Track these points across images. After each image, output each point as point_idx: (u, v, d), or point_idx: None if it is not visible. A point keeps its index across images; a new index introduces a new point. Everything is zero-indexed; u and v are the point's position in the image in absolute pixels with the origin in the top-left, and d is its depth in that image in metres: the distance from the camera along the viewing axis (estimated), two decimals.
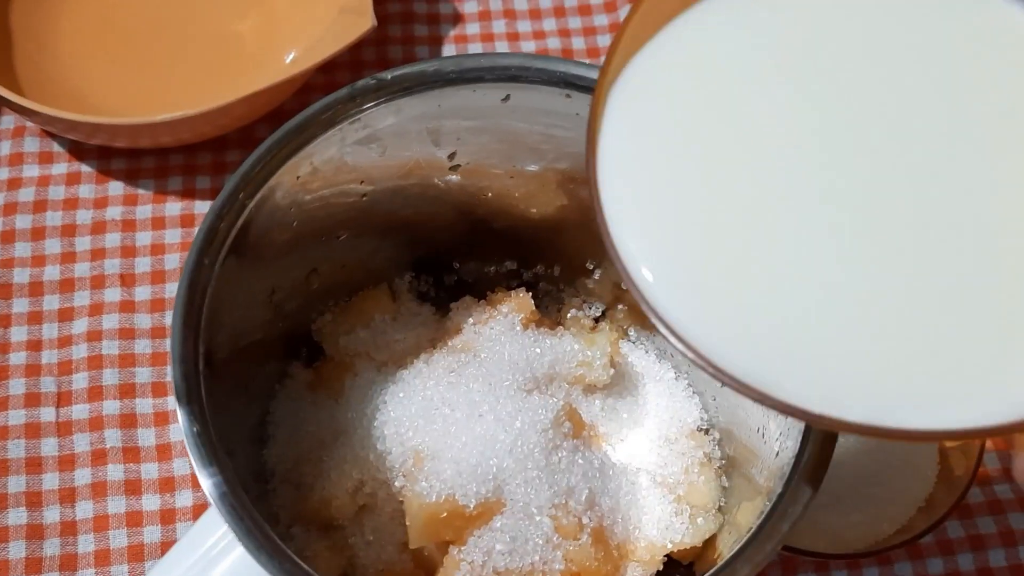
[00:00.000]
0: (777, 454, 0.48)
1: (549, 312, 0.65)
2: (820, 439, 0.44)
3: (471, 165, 0.57)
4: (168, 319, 0.73)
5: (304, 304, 0.60)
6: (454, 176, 0.58)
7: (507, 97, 0.53)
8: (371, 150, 0.53)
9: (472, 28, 0.86)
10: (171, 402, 0.71)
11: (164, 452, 0.69)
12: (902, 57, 0.34)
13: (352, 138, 0.52)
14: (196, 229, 0.75)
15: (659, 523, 0.55)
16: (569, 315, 0.64)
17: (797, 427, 0.46)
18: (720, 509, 0.57)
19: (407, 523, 0.52)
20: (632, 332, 0.66)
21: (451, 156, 0.57)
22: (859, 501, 0.66)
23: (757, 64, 0.35)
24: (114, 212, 0.77)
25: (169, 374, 0.65)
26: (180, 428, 0.68)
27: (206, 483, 0.42)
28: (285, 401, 0.59)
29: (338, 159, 0.52)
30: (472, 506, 0.51)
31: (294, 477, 0.56)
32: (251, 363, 0.55)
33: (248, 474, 0.45)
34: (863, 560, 0.67)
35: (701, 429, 0.61)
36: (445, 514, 0.51)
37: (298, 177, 0.51)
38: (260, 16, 0.84)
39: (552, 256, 0.64)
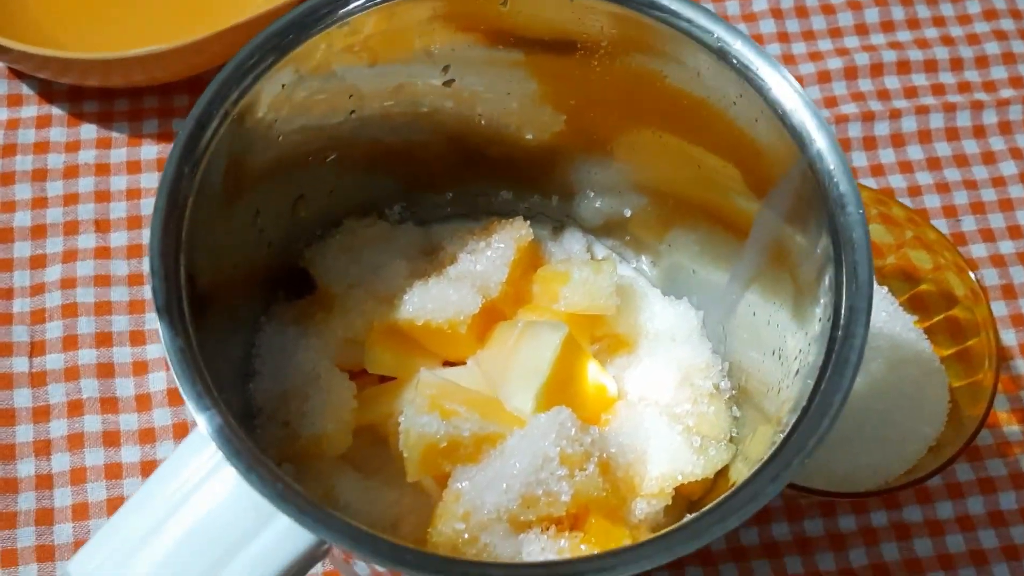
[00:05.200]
0: (797, 372, 0.46)
1: (546, 243, 0.62)
2: (845, 344, 0.42)
3: (466, 82, 0.54)
4: (146, 265, 0.70)
5: (291, 232, 0.57)
6: (447, 95, 0.55)
7: (505, 2, 0.50)
8: (360, 60, 0.50)
9: None
10: (150, 351, 0.68)
11: (143, 402, 0.66)
12: None
13: (340, 44, 0.49)
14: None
15: (668, 454, 0.52)
16: (569, 245, 0.61)
17: (819, 339, 0.44)
18: (732, 440, 0.54)
19: (404, 455, 0.49)
20: (638, 261, 0.63)
21: (445, 69, 0.54)
22: (868, 442, 0.64)
23: None
24: (87, 156, 0.75)
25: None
26: (160, 378, 0.66)
27: (192, 400, 0.39)
28: (271, 334, 0.56)
29: (325, 68, 0.49)
30: (472, 436, 0.48)
31: (281, 414, 0.53)
32: (235, 293, 0.52)
33: (235, 412, 0.42)
34: (870, 504, 0.66)
35: (710, 362, 0.58)
36: (445, 444, 0.48)
37: (283, 86, 0.48)
38: None
39: (549, 186, 0.61)
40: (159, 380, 0.67)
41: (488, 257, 0.56)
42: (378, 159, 0.57)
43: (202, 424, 0.39)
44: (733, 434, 0.55)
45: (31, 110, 0.76)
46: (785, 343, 0.48)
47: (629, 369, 0.57)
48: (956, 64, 0.82)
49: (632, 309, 0.58)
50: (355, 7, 0.48)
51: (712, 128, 0.51)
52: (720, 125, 0.50)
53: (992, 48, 0.83)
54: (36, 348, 0.67)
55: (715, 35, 0.48)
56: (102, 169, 0.74)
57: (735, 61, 0.48)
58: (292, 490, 0.38)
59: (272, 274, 0.57)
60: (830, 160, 0.45)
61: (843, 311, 0.43)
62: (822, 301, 0.45)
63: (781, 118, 0.47)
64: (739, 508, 0.39)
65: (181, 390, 0.39)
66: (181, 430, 0.65)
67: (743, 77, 0.48)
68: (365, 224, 0.59)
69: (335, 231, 0.59)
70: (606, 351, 0.59)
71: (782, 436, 0.41)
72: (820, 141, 0.46)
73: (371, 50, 0.50)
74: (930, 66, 0.82)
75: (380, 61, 0.51)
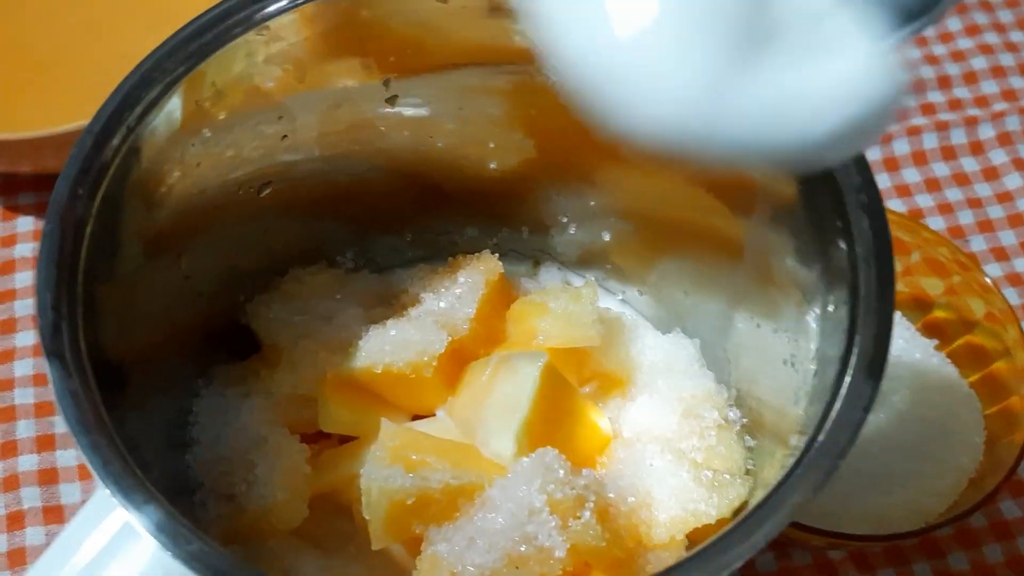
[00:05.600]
0: (815, 373, 0.39)
1: (520, 281, 0.56)
2: (874, 328, 0.35)
3: (412, 100, 0.49)
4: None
5: (226, 282, 0.51)
6: (396, 119, 0.49)
7: None
8: (287, 73, 0.45)
9: None
10: None
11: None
12: None
13: (261, 54, 0.44)
14: None
15: (676, 494, 0.45)
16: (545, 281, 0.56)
17: (838, 327, 0.37)
18: (748, 473, 0.47)
19: (365, 516, 0.42)
20: (623, 292, 0.57)
21: (386, 83, 0.48)
22: (902, 478, 0.58)
23: None
24: (24, 249, 0.70)
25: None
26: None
27: (90, 454, 0.32)
28: (209, 397, 0.49)
29: (247, 82, 0.44)
30: (445, 488, 0.41)
31: (224, 487, 0.46)
32: (162, 351, 0.46)
33: (167, 485, 0.36)
34: (909, 551, 0.58)
35: (714, 391, 0.52)
36: (413, 500, 0.41)
37: (198, 102, 0.43)
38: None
39: (518, 218, 0.56)
40: None
41: (454, 294, 0.50)
42: (323, 196, 0.52)
43: (101, 477, 0.32)
44: (749, 467, 0.48)
45: None
46: (798, 347, 0.42)
47: (625, 408, 0.51)
48: (944, 82, 0.79)
49: (621, 342, 0.52)
50: (274, 9, 0.43)
51: None
52: None
53: (979, 63, 0.79)
54: None
55: None
56: None
57: None
58: (208, 548, 0.31)
59: (209, 331, 0.51)
60: None
61: (861, 288, 0.37)
62: (837, 283, 0.39)
63: None
64: (765, 521, 0.31)
65: (70, 430, 0.33)
66: None
67: None
68: (312, 272, 0.53)
69: (278, 281, 0.53)
70: (599, 392, 0.52)
71: (807, 440, 0.34)
72: None
73: (297, 60, 0.45)
74: (916, 86, 0.78)
75: (310, 74, 0.46)
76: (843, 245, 0.39)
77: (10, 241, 0.70)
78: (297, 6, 0.43)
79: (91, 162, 0.39)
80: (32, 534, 0.59)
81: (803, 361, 0.41)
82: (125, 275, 0.41)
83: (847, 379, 0.35)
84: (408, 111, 0.50)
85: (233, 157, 0.46)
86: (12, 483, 0.60)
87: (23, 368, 0.64)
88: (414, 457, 0.43)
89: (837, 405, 0.35)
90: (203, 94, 0.43)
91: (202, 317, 0.49)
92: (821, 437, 0.34)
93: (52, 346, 0.34)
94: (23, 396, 0.63)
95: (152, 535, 0.31)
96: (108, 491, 0.32)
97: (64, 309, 0.36)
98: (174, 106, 0.42)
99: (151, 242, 0.43)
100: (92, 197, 0.38)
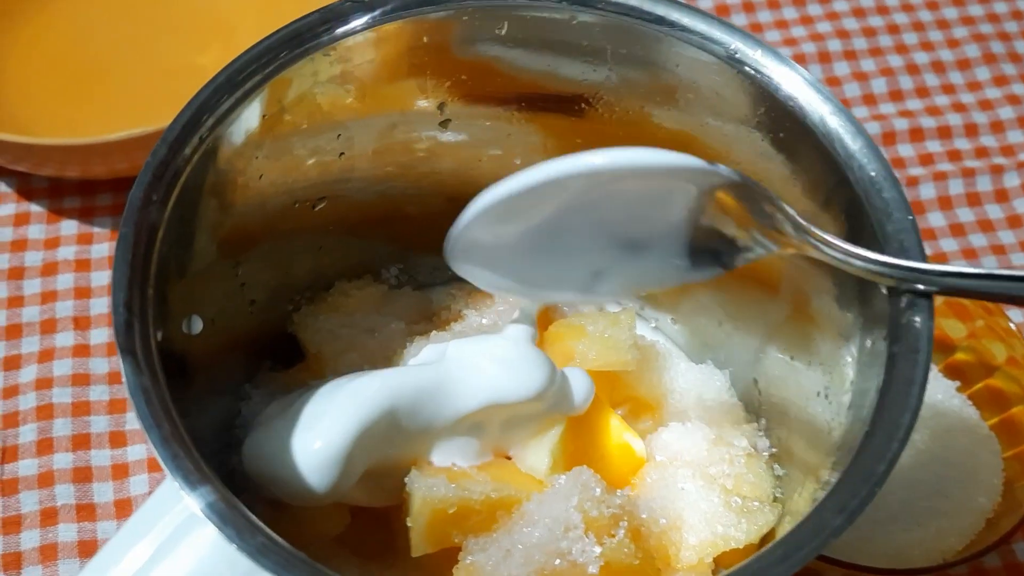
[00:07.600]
0: (849, 406, 0.40)
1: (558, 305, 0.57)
2: (907, 360, 0.36)
3: (463, 124, 0.51)
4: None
5: (276, 292, 0.52)
6: (445, 144, 0.51)
7: (503, 26, 0.46)
8: (349, 93, 0.46)
9: None
10: (131, 452, 0.63)
11: (123, 508, 0.60)
12: None
13: (325, 74, 0.45)
14: None
15: (706, 518, 0.46)
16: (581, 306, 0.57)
17: (875, 362, 0.38)
18: (776, 500, 0.48)
19: (408, 524, 0.43)
20: (657, 320, 0.58)
21: (440, 107, 0.50)
22: (921, 516, 0.58)
23: None
24: (67, 252, 0.71)
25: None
26: (140, 481, 0.61)
27: (160, 448, 0.33)
28: (259, 403, 0.50)
29: (310, 100, 0.46)
30: (485, 500, 0.42)
31: (270, 491, 0.47)
32: (215, 355, 0.47)
33: None
34: None
35: (744, 420, 0.53)
36: (454, 510, 0.42)
37: (264, 116, 0.44)
38: (222, 48, 0.79)
39: None
40: (140, 483, 0.61)
41: (496, 311, 0.51)
42: (372, 213, 0.53)
43: (170, 471, 0.33)
44: (778, 494, 0.49)
45: (9, 208, 0.73)
46: (831, 379, 0.43)
47: (657, 433, 0.52)
48: (971, 130, 0.80)
49: (654, 369, 0.53)
50: (340, 32, 0.44)
51: (732, 159, 0.47)
52: (742, 151, 0.46)
53: (1007, 113, 0.80)
54: (8, 454, 0.62)
55: (731, 45, 0.44)
56: (82, 265, 0.71)
57: (751, 70, 0.44)
58: (272, 543, 0.32)
59: (257, 339, 0.52)
60: (870, 167, 0.41)
61: (901, 326, 0.38)
62: (877, 321, 0.40)
63: (810, 129, 0.43)
64: (803, 545, 0.33)
65: (149, 439, 0.34)
66: None
67: (761, 86, 0.44)
68: (358, 286, 0.55)
69: (325, 294, 0.54)
70: (630, 415, 0.53)
71: (842, 468, 0.35)
72: (855, 145, 0.42)
73: (359, 81, 0.47)
74: (944, 132, 0.79)
75: (370, 95, 0.48)
76: (883, 288, 0.40)
77: (54, 244, 0.72)
78: (364, 30, 0.45)
79: (165, 168, 0.40)
80: (64, 531, 0.59)
81: (837, 393, 0.43)
82: (190, 278, 0.42)
83: (885, 410, 0.36)
84: (459, 135, 0.52)
85: (293, 171, 0.48)
86: (47, 480, 0.61)
87: (62, 368, 0.65)
88: (456, 468, 0.44)
89: (874, 435, 0.36)
90: (270, 109, 0.45)
91: (253, 324, 0.51)
92: (858, 465, 0.35)
93: (125, 343, 0.36)
94: (61, 395, 0.64)
95: (218, 527, 0.33)
96: (176, 484, 0.33)
97: (136, 308, 0.37)
98: (243, 119, 0.43)
99: (216, 246, 0.45)
100: (165, 202, 0.40)
